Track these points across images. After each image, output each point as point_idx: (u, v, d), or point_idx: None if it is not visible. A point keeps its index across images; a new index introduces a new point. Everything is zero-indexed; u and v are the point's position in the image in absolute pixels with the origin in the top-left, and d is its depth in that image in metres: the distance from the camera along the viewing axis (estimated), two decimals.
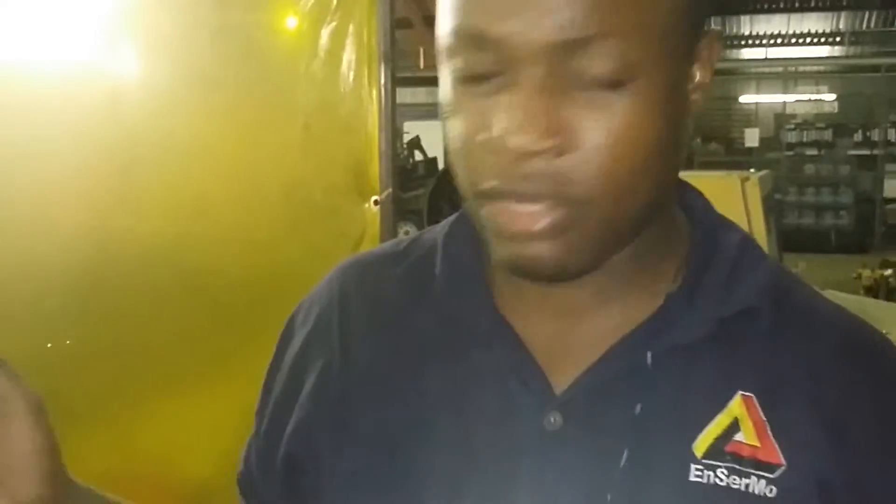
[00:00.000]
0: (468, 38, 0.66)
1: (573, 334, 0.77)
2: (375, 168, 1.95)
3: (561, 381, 0.74)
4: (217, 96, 2.06)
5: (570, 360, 0.75)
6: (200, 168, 2.06)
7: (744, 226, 2.91)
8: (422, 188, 11.88)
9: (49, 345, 2.07)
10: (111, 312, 2.10)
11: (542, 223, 0.67)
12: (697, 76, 0.72)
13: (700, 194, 0.82)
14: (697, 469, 0.70)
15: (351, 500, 0.79)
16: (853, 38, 17.23)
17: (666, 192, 0.73)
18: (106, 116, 2.03)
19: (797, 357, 0.74)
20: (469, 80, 0.68)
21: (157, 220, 2.06)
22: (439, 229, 0.87)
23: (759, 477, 0.70)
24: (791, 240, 9.04)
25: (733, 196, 3.10)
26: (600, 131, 0.65)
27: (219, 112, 2.06)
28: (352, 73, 1.93)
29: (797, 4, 17.17)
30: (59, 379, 2.09)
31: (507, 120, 0.64)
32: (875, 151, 14.32)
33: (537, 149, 0.64)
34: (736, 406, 0.72)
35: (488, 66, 0.66)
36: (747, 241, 0.80)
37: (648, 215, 0.72)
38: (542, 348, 0.76)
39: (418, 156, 13.32)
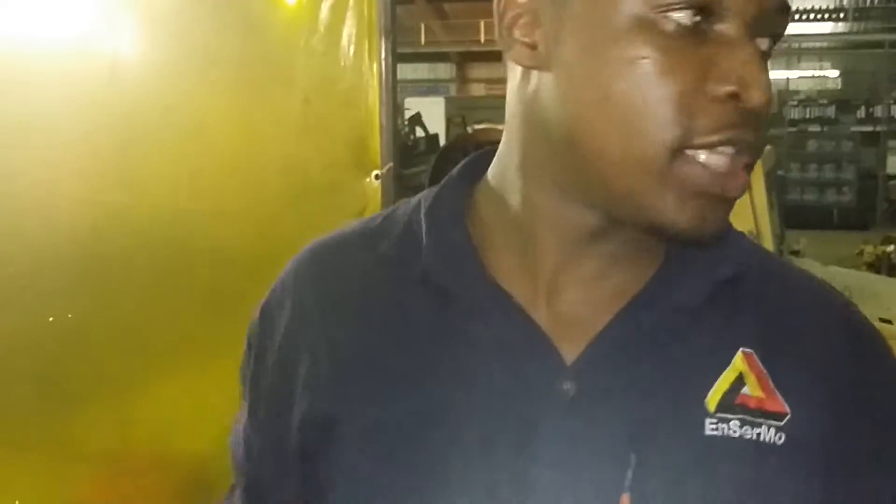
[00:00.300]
0: None
1: (579, 302, 0.77)
2: (376, 143, 1.93)
3: (569, 349, 0.75)
4: (216, 71, 2.03)
5: (577, 328, 0.76)
6: (199, 144, 2.04)
7: (745, 200, 2.89)
8: (423, 165, 11.83)
9: (51, 318, 2.06)
10: (109, 289, 2.09)
11: (746, 181, 0.70)
12: None
13: None
14: (712, 423, 0.73)
15: (374, 482, 0.78)
16: (857, 14, 17.14)
17: None
18: (103, 91, 2.00)
19: (783, 315, 0.79)
20: (693, 24, 0.66)
21: (155, 196, 2.05)
22: (412, 206, 0.85)
23: (769, 426, 0.73)
24: (794, 216, 9.03)
25: None
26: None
27: (217, 87, 2.04)
28: (352, 48, 1.91)
29: None
30: (57, 355, 2.09)
31: (752, 77, 0.66)
32: (878, 128, 14.27)
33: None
34: (739, 361, 0.75)
35: (728, 12, 0.66)
36: None
37: None
38: (546, 318, 0.76)
39: (419, 132, 13.27)
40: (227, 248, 2.09)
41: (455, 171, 0.86)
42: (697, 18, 0.65)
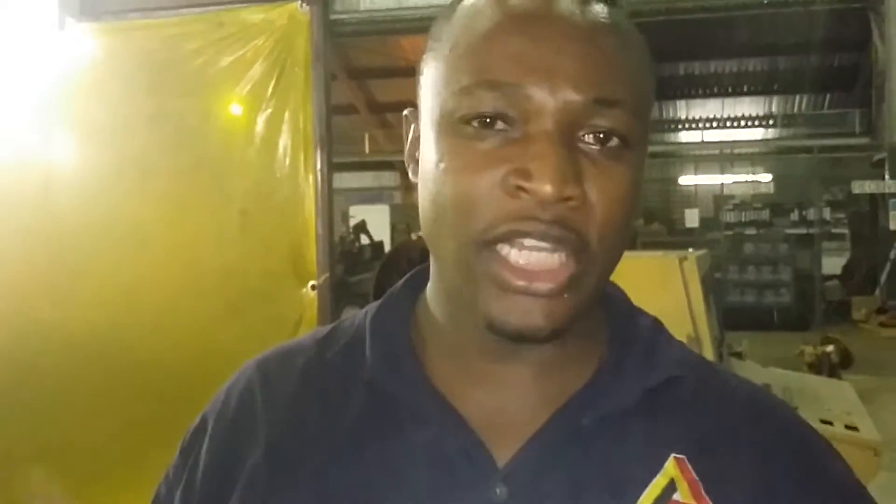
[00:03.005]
0: (500, 87, 0.69)
1: (511, 407, 0.77)
2: (312, 252, 1.94)
3: (502, 453, 0.75)
4: (152, 183, 2.04)
5: (509, 432, 0.76)
6: (134, 256, 2.03)
7: (683, 304, 2.91)
8: (368, 272, 11.85)
9: None
10: (42, 406, 2.04)
11: (560, 279, 0.69)
12: None
13: (611, 281, 0.85)
14: None
15: None
16: (785, 121, 17.82)
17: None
18: (37, 205, 2.00)
19: (718, 421, 0.79)
20: (482, 126, 0.69)
21: (89, 310, 2.02)
22: (361, 315, 0.87)
23: None
24: (734, 318, 9.14)
25: (672, 275, 3.14)
26: (606, 191, 0.69)
27: (153, 199, 2.04)
28: (288, 159, 1.93)
29: (731, 89, 17.76)
30: None
31: (537, 167, 0.67)
32: (811, 230, 14.65)
33: (563, 195, 0.67)
34: (671, 467, 0.75)
35: (512, 112, 0.69)
36: (658, 323, 0.85)
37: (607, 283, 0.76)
38: (480, 422, 0.76)
39: (365, 240, 13.33)
40: (163, 361, 2.06)
41: (400, 282, 0.87)
42: (499, 125, 0.69)
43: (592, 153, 0.70)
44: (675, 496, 0.74)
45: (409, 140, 0.82)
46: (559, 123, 0.68)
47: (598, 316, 0.82)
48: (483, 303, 0.71)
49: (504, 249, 0.69)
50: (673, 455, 0.76)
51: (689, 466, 0.75)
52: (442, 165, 0.71)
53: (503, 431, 0.76)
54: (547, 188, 0.66)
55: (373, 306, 0.86)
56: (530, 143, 0.68)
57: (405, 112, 0.83)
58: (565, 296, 0.70)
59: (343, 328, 0.88)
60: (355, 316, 0.88)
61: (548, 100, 0.68)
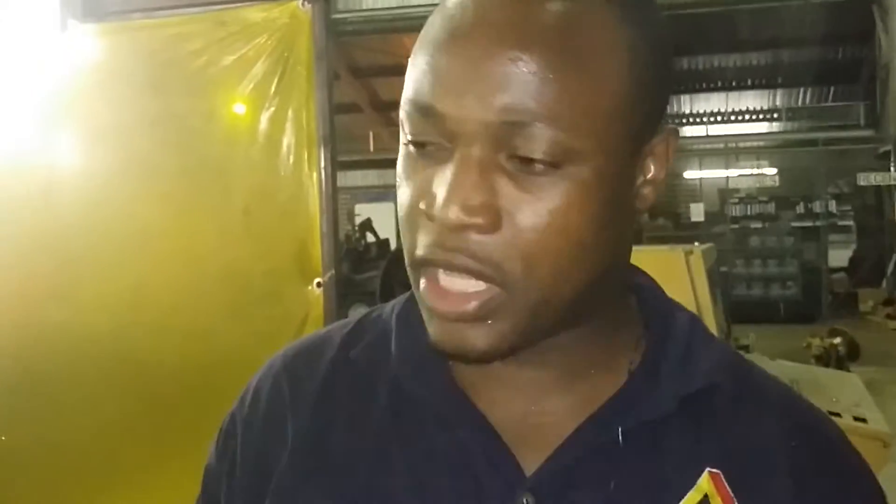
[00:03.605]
0: (419, 109, 0.67)
1: (540, 413, 0.75)
2: (317, 250, 1.93)
3: (530, 461, 0.72)
4: (155, 183, 2.04)
5: (537, 439, 0.73)
6: (138, 257, 2.03)
7: (689, 297, 2.91)
8: (374, 270, 11.86)
9: None
10: (47, 408, 2.04)
11: (471, 305, 0.66)
12: (651, 171, 0.71)
13: (648, 276, 0.83)
14: None
15: None
16: (790, 114, 17.77)
17: (608, 277, 0.72)
18: (40, 206, 2.00)
19: (758, 433, 0.76)
20: (417, 147, 0.68)
21: (94, 312, 2.02)
22: (388, 309, 0.85)
23: None
24: (741, 311, 9.12)
25: (678, 269, 3.14)
26: (532, 214, 0.65)
27: (157, 199, 2.03)
28: (291, 157, 1.93)
29: (734, 83, 17.72)
30: None
31: (441, 190, 0.65)
32: (817, 223, 14.63)
33: (463, 222, 0.64)
34: (705, 483, 0.72)
35: (433, 137, 0.66)
36: (696, 320, 0.81)
37: (589, 300, 0.71)
38: (508, 428, 0.74)
39: (370, 238, 13.33)
40: (167, 363, 2.06)
41: None
42: (429, 147, 0.67)
43: (519, 175, 0.65)
44: None
45: None
46: (481, 146, 0.65)
47: (628, 314, 0.79)
48: (427, 325, 0.70)
49: (429, 272, 0.68)
50: (708, 469, 0.73)
51: (724, 481, 0.72)
52: (397, 181, 0.71)
53: (530, 438, 0.74)
54: (445, 213, 0.64)
55: (400, 300, 0.84)
56: (445, 167, 0.66)
57: None
58: (489, 322, 0.67)
59: (370, 321, 0.86)
60: (382, 309, 0.86)
61: (462, 122, 0.65)
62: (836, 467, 0.77)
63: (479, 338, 0.67)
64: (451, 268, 0.66)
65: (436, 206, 0.65)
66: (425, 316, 0.70)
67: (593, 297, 0.72)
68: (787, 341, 8.69)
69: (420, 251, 0.67)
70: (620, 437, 0.72)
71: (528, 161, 0.65)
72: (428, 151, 0.67)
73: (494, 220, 0.65)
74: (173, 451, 1.97)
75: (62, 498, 2.07)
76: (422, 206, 0.66)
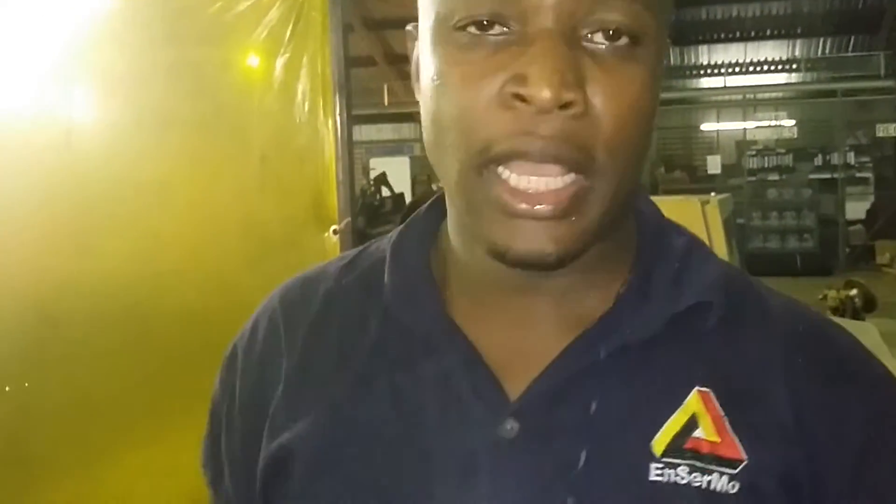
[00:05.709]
0: None
1: (528, 340, 0.74)
2: (333, 198, 1.94)
3: (516, 387, 0.71)
4: (171, 133, 2.04)
5: (525, 365, 0.72)
6: (156, 206, 2.04)
7: None
8: (390, 224, 11.86)
9: (7, 388, 2.03)
10: (67, 355, 2.06)
11: (561, 198, 0.64)
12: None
13: (649, 199, 0.81)
14: (657, 468, 0.68)
15: None
16: (809, 64, 17.54)
17: (639, 180, 0.72)
18: (60, 159, 2.01)
19: (753, 350, 0.73)
20: (480, 30, 0.64)
21: (114, 260, 2.04)
22: (387, 240, 0.84)
23: (721, 473, 0.68)
24: (757, 263, 9.11)
25: (694, 219, 3.12)
26: (613, 97, 0.63)
27: (173, 149, 2.04)
28: (307, 105, 1.93)
29: (753, 34, 17.48)
30: (17, 424, 2.05)
31: (534, 69, 0.61)
32: (835, 175, 14.51)
33: (565, 100, 0.61)
34: (693, 402, 0.70)
35: (508, 12, 0.63)
36: (695, 240, 0.79)
37: (625, 204, 0.71)
38: (496, 355, 0.73)
39: (385, 192, 13.33)
40: (188, 309, 2.08)
41: (425, 206, 0.84)
42: (496, 28, 0.64)
43: (599, 53, 0.64)
44: (697, 433, 0.69)
45: (413, 59, 0.76)
46: (559, 20, 0.62)
47: (626, 237, 0.77)
48: (486, 229, 0.67)
49: (504, 173, 0.64)
50: (697, 388, 0.71)
51: (714, 400, 0.70)
52: (438, 80, 0.66)
53: (517, 365, 0.73)
54: (544, 93, 0.61)
55: (396, 231, 0.84)
56: (528, 46, 0.63)
57: (408, 27, 0.77)
58: (573, 218, 0.65)
59: (367, 253, 0.86)
60: (381, 240, 0.86)
61: None
62: (846, 375, 0.74)
63: (557, 238, 0.65)
64: (545, 158, 0.63)
65: (529, 85, 0.61)
66: (492, 219, 0.66)
67: (628, 201, 0.71)
68: (803, 294, 8.61)
69: (503, 144, 0.64)
70: (604, 358, 0.71)
71: (615, 37, 0.63)
72: (488, 36, 0.64)
73: (586, 100, 0.63)
74: (192, 398, 1.99)
75: (84, 442, 2.10)
76: (510, 88, 0.62)
